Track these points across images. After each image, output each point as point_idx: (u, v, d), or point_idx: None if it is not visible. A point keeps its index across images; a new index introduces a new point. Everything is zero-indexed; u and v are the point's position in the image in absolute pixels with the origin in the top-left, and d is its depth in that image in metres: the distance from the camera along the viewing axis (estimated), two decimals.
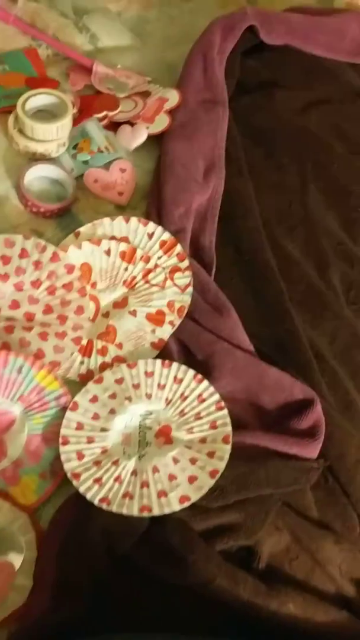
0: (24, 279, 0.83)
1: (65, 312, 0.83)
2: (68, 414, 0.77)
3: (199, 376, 0.80)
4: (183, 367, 0.80)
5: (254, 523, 0.75)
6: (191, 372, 0.80)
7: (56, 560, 0.71)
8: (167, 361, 0.80)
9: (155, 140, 1.07)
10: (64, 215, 0.97)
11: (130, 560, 0.72)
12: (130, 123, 1.08)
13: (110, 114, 1.07)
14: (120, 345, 0.84)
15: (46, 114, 1.01)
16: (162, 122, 1.07)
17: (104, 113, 1.07)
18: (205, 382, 0.79)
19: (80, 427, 0.76)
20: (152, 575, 0.71)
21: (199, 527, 0.74)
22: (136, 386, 0.79)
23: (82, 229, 0.89)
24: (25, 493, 0.74)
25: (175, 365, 0.80)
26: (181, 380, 0.79)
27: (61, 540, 0.72)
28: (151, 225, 0.90)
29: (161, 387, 0.79)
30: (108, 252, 0.88)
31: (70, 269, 0.84)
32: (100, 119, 1.07)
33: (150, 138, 1.05)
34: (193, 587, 0.71)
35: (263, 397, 0.82)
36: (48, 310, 0.83)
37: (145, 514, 0.71)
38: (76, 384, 0.81)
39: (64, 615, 0.68)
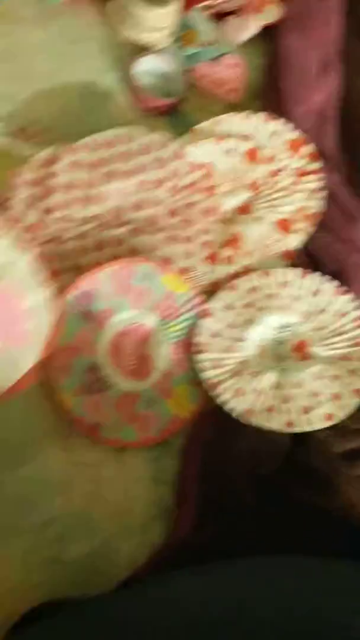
0: (146, 178, 0.76)
1: (190, 215, 0.76)
2: (201, 321, 0.72)
3: (340, 288, 0.74)
4: (322, 278, 0.74)
5: None
6: (331, 284, 0.74)
7: (199, 477, 0.68)
8: (306, 271, 0.74)
9: (263, 33, 0.96)
10: (173, 113, 0.89)
11: (273, 480, 0.68)
12: (236, 14, 0.97)
13: (215, 2, 0.97)
14: (247, 254, 0.78)
15: (149, 1, 0.91)
16: (271, 12, 0.97)
17: (208, 2, 0.97)
18: (348, 296, 0.74)
19: (215, 335, 0.71)
20: (294, 496, 0.68)
21: (340, 449, 0.70)
22: (271, 296, 0.74)
23: (199, 127, 0.82)
24: (181, 403, 0.70)
25: (313, 275, 0.75)
26: (320, 292, 0.74)
27: (203, 456, 0.69)
28: (276, 123, 0.82)
29: (298, 298, 0.74)
30: (230, 152, 0.80)
31: (194, 167, 0.77)
32: (205, 9, 0.97)
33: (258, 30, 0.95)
34: (335, 510, 0.68)
35: None
36: (172, 212, 0.77)
37: (290, 429, 0.67)
38: (206, 292, 0.76)
39: (207, 535, 0.65)
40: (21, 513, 0.66)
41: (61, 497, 0.67)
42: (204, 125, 0.82)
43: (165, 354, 0.71)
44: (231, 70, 0.92)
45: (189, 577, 0.58)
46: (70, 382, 0.69)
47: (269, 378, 0.69)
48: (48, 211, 0.73)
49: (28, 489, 0.67)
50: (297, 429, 0.67)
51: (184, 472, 0.69)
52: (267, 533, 0.66)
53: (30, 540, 0.65)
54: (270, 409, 0.68)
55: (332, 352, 0.72)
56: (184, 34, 0.93)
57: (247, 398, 0.68)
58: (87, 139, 0.76)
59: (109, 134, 0.76)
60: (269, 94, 0.90)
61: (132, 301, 0.71)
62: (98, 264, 0.72)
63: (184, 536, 0.66)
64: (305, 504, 0.68)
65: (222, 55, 0.92)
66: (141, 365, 0.71)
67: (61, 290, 0.71)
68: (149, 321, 0.72)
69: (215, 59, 0.92)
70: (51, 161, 0.76)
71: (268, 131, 0.82)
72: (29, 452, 0.68)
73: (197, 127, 0.82)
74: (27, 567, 0.64)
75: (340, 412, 0.68)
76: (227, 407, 0.67)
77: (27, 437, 0.69)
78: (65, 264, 0.73)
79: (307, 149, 0.81)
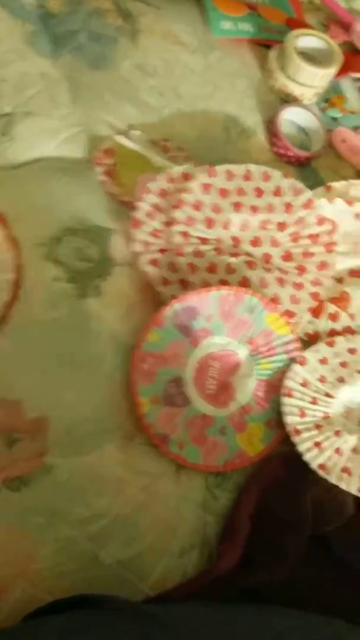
0: (272, 218, 0.78)
1: (305, 264, 0.77)
2: (295, 367, 0.71)
3: None
4: None
5: None
6: None
7: (255, 517, 0.66)
8: None
9: None
10: (305, 166, 0.91)
11: (326, 540, 0.66)
12: None
13: None
14: (352, 316, 0.78)
15: (308, 58, 0.94)
16: None
17: None
18: None
19: (305, 384, 0.71)
20: (345, 561, 0.66)
21: None
22: None
23: (335, 184, 0.83)
24: (252, 440, 0.69)
25: None
26: None
27: (262, 498, 0.67)
28: None
29: None
30: (358, 216, 0.81)
31: (321, 220, 0.78)
32: (357, 79, 1.00)
33: None
34: None
35: None
36: (287, 257, 0.77)
37: None
38: (302, 342, 0.75)
39: (260, 577, 0.63)
40: (70, 501, 0.64)
41: (111, 497, 0.66)
42: (339, 184, 0.83)
43: (248, 388, 0.71)
44: None
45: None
46: (150, 388, 0.68)
47: (350, 440, 0.68)
48: (171, 223, 0.74)
49: (80, 480, 0.66)
50: None
51: (238, 510, 0.67)
52: (309, 592, 0.64)
53: (74, 530, 0.63)
54: (344, 470, 0.66)
55: None
56: (332, 97, 0.95)
57: (325, 453, 0.66)
58: (226, 166, 0.77)
59: (248, 167, 0.77)
60: None
61: (230, 328, 0.71)
62: (206, 284, 0.72)
63: (220, 574, 0.64)
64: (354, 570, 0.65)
65: None
66: (222, 392, 0.71)
67: (165, 299, 0.71)
68: (242, 352, 0.71)
69: (356, 128, 0.94)
70: (185, 177, 0.78)
71: None
72: (90, 443, 0.67)
73: (332, 184, 0.83)
74: (64, 554, 0.62)
75: None
76: (304, 457, 0.66)
77: (93, 429, 0.68)
78: (175, 275, 0.74)
79: None
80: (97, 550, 0.64)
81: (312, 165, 0.92)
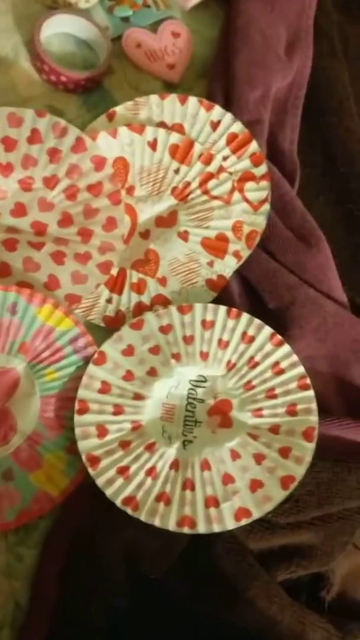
0: (34, 174, 0.58)
1: (89, 226, 0.58)
2: (90, 368, 0.54)
3: (278, 337, 0.56)
4: (257, 322, 0.56)
5: (333, 547, 0.54)
6: (267, 329, 0.56)
7: (60, 579, 0.50)
8: (234, 310, 0.56)
9: None
10: (92, 89, 0.70)
11: (161, 586, 0.50)
12: None
13: None
14: (163, 280, 0.59)
15: None
16: None
17: None
18: (286, 347, 0.56)
19: (105, 389, 0.53)
20: (191, 608, 0.50)
21: (258, 547, 0.53)
22: (188, 339, 0.56)
23: (118, 109, 0.63)
24: (51, 476, 0.53)
25: (245, 316, 0.56)
26: (252, 339, 0.56)
27: (68, 551, 0.51)
28: (217, 111, 0.64)
29: (223, 344, 0.56)
30: (153, 145, 0.62)
31: (99, 163, 0.58)
32: None
33: None
34: (247, 630, 0.50)
35: (355, 369, 0.59)
36: (66, 221, 0.58)
37: (186, 529, 0.50)
38: (100, 330, 0.57)
39: None
40: None
41: None
42: (123, 108, 0.62)
43: (32, 412, 0.53)
44: (173, 41, 0.72)
45: None
46: None
47: (168, 454, 0.51)
48: None
49: None
50: (197, 530, 0.49)
51: (43, 568, 0.51)
52: None
53: None
54: (160, 497, 0.49)
55: (259, 420, 0.54)
56: None
57: (134, 481, 0.50)
58: None
59: None
60: (219, 74, 0.71)
61: None
62: None
63: None
64: (203, 616, 0.50)
65: (163, 20, 0.73)
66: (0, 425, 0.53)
67: None
68: (16, 365, 0.53)
69: (154, 25, 0.73)
70: None
71: (206, 120, 0.63)
72: None
73: (115, 108, 0.63)
74: None
75: (258, 509, 0.51)
76: (105, 493, 0.49)
77: None
78: None
79: (253, 147, 0.62)
80: None
81: (103, 85, 0.71)
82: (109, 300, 0.59)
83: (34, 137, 0.59)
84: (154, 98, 0.64)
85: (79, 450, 0.53)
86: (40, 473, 0.53)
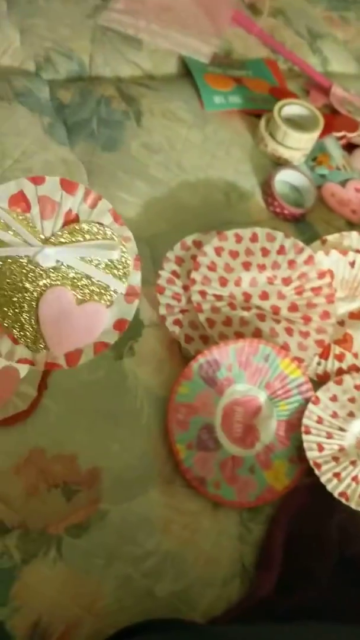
0: (277, 274, 0.88)
1: (310, 314, 0.87)
2: (310, 406, 0.81)
3: None
4: None
5: None
6: None
7: (286, 545, 0.75)
8: None
9: None
10: (300, 221, 1.01)
11: (353, 563, 0.74)
12: None
13: (349, 135, 1.12)
14: (356, 355, 0.87)
15: (294, 124, 1.06)
16: None
17: (343, 133, 1.12)
18: None
19: (320, 421, 0.80)
20: None
21: None
22: None
23: (329, 238, 0.94)
24: (278, 476, 0.78)
25: None
26: None
27: (292, 527, 0.76)
28: None
29: None
30: (352, 264, 0.92)
31: (321, 274, 0.88)
32: (339, 138, 1.11)
33: None
34: None
35: None
36: (293, 308, 0.87)
37: None
38: (313, 382, 0.85)
39: (295, 601, 0.71)
40: (123, 542, 0.72)
41: (158, 536, 0.74)
42: (333, 237, 0.93)
43: (270, 429, 0.80)
44: (355, 194, 1.04)
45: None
46: (185, 436, 0.77)
47: None
48: (189, 285, 0.84)
49: (131, 522, 0.74)
50: None
51: (271, 539, 0.75)
52: (342, 611, 0.72)
53: (129, 567, 0.71)
54: None
55: None
56: (318, 156, 1.07)
57: (344, 482, 0.75)
58: (234, 230, 0.88)
59: (254, 230, 0.88)
60: None
61: (249, 375, 0.81)
62: (223, 337, 0.82)
63: (260, 598, 0.72)
64: None
65: (348, 179, 1.05)
66: (247, 434, 0.80)
67: (189, 354, 0.81)
68: (261, 396, 0.81)
69: (343, 182, 1.05)
70: (197, 245, 0.88)
71: None
72: (136, 489, 0.75)
73: (326, 237, 0.94)
74: (122, 590, 0.70)
75: None
76: (327, 488, 0.75)
77: (138, 475, 0.76)
78: (196, 333, 0.84)
79: None
80: (152, 585, 0.72)
81: (307, 219, 1.02)
82: (319, 364, 0.87)
83: (281, 250, 0.90)
84: (354, 233, 0.95)
85: (299, 460, 0.78)
86: (271, 473, 0.79)
